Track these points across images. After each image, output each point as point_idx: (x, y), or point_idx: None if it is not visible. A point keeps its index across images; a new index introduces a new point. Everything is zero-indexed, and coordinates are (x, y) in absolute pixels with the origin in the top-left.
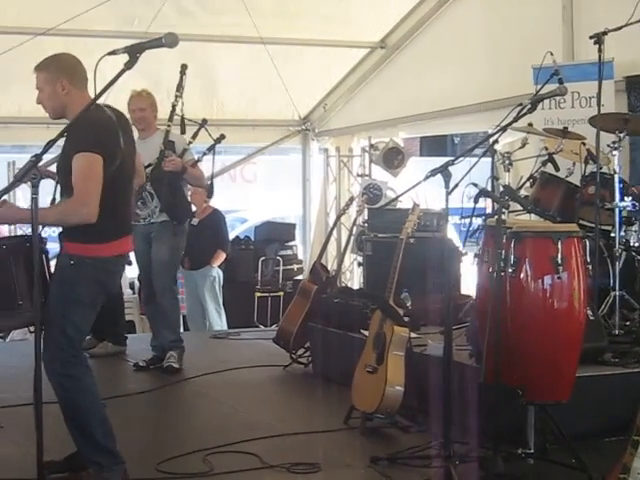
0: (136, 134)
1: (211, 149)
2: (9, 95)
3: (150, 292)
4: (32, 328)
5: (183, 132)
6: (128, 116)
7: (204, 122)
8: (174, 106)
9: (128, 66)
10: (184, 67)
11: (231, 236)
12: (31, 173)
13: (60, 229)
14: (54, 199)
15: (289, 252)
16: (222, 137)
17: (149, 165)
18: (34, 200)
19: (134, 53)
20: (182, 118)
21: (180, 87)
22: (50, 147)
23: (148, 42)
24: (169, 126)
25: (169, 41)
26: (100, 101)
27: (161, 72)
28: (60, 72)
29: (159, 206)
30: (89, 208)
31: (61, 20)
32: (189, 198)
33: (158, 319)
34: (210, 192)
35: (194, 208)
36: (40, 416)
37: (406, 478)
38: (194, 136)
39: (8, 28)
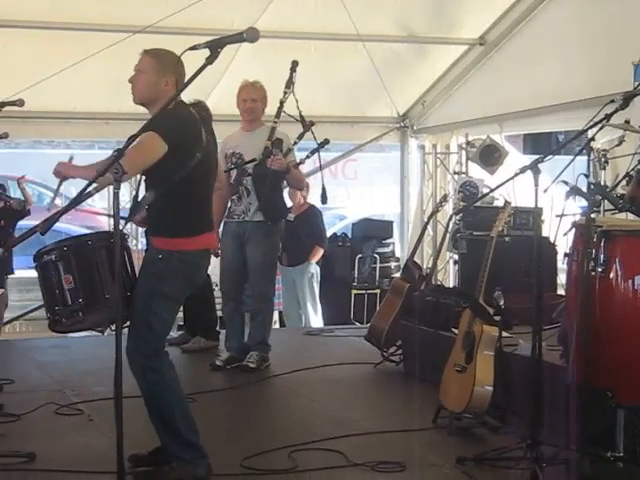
0: (235, 126)
1: (315, 152)
2: (109, 91)
3: (230, 291)
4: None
5: (304, 126)
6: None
7: (311, 124)
8: (282, 102)
9: (209, 61)
10: (295, 63)
11: (329, 233)
12: (113, 168)
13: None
14: (137, 195)
15: (386, 249)
16: (326, 142)
17: (252, 160)
18: (116, 195)
19: (215, 48)
20: (300, 115)
21: (290, 83)
22: (132, 142)
23: (229, 37)
24: (276, 122)
25: (250, 36)
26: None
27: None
28: (172, 69)
29: (254, 203)
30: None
31: (158, 18)
32: (286, 195)
33: (237, 321)
34: (324, 198)
35: (290, 204)
36: (120, 410)
37: (492, 479)
38: (300, 137)
39: (104, 26)
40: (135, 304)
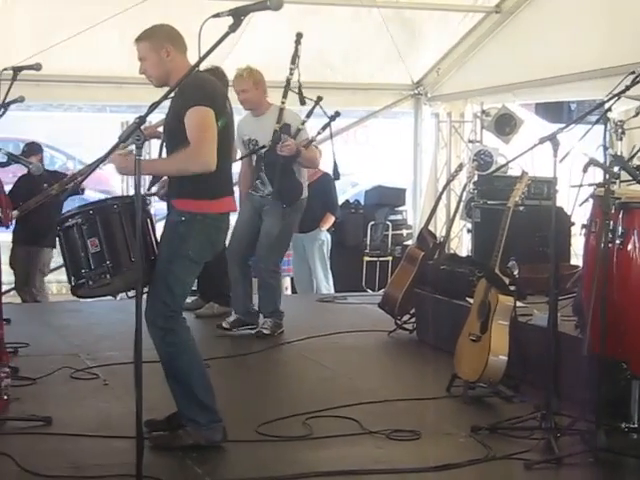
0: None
1: (325, 127)
2: (123, 55)
3: (236, 256)
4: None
5: (303, 103)
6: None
7: (319, 99)
8: (288, 80)
9: (232, 29)
10: (299, 36)
11: (341, 199)
12: (135, 135)
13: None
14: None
15: (399, 217)
16: (337, 114)
17: (263, 147)
18: (138, 162)
19: (238, 16)
20: (300, 89)
21: (295, 58)
22: (154, 109)
23: (253, 5)
24: (283, 102)
25: (274, 4)
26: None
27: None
28: (163, 39)
29: (271, 194)
30: (208, 157)
31: None
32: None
33: (243, 284)
34: (336, 173)
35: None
36: (140, 374)
37: (506, 448)
38: (309, 115)
39: None
40: (157, 267)
